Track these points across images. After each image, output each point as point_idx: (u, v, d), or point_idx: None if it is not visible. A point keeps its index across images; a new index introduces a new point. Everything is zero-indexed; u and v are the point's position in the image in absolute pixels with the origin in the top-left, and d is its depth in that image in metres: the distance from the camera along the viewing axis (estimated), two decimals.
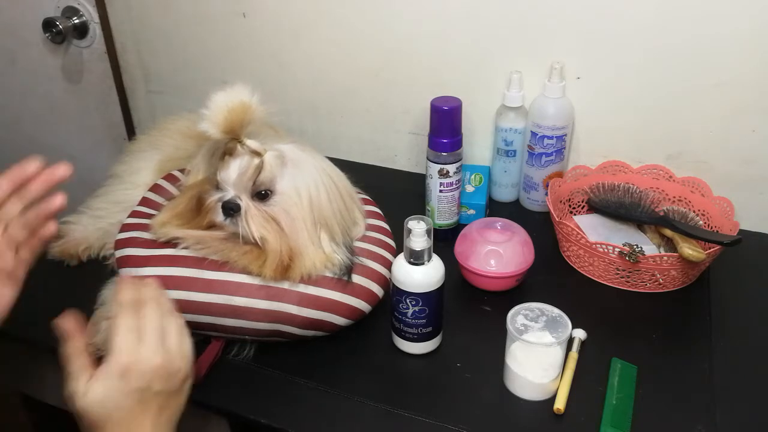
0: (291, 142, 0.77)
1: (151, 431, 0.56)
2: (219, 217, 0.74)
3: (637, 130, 1.00)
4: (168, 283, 0.71)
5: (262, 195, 0.73)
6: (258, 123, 0.71)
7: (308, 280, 0.73)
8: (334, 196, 0.77)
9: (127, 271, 0.74)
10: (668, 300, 0.85)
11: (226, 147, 0.72)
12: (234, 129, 0.70)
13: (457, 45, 1.05)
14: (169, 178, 0.87)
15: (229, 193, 0.73)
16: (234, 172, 0.72)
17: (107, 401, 0.55)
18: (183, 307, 0.71)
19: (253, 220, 0.72)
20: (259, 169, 0.71)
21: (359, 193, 0.87)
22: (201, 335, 0.74)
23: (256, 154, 0.72)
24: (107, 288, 0.80)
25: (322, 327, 0.74)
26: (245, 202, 0.72)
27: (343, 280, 0.74)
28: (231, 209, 0.72)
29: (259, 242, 0.71)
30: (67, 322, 0.60)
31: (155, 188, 0.86)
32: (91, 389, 0.56)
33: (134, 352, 0.57)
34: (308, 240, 0.73)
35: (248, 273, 0.72)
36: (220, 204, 0.73)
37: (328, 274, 0.74)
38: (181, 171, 0.87)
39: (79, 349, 0.59)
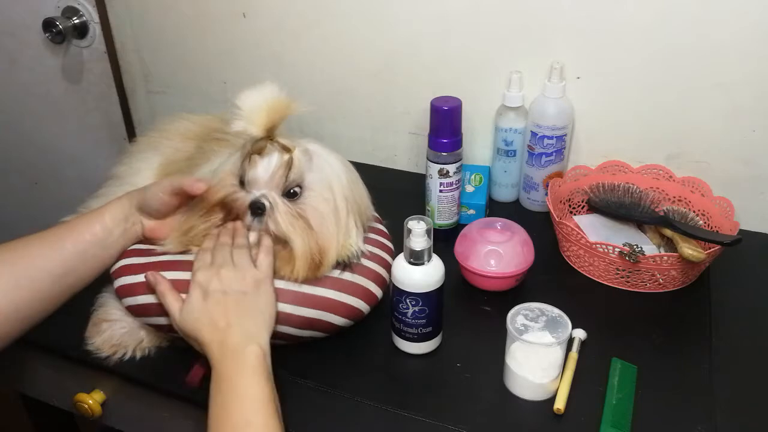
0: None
1: (235, 321, 0.66)
2: (247, 218, 0.73)
3: (637, 130, 1.00)
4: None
5: (291, 194, 0.72)
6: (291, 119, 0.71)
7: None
8: (358, 186, 0.77)
9: (123, 280, 0.73)
10: (668, 300, 0.85)
11: (255, 146, 0.71)
12: (274, 126, 0.69)
13: (457, 45, 1.05)
14: None
15: (258, 193, 0.72)
16: (264, 170, 0.71)
17: (193, 311, 0.67)
18: None
19: (281, 217, 0.71)
20: (290, 165, 0.71)
21: None
22: None
23: (286, 150, 0.71)
24: (105, 291, 0.80)
25: (319, 327, 0.74)
26: (273, 199, 0.71)
27: (336, 277, 0.74)
28: (259, 208, 0.71)
29: (286, 240, 0.71)
30: (151, 274, 0.71)
31: None
32: (182, 309, 0.68)
33: (206, 267, 0.69)
34: (336, 234, 0.73)
35: (279, 276, 0.72)
36: (249, 206, 0.72)
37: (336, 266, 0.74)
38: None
39: (168, 287, 0.70)
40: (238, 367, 0.63)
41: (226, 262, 0.69)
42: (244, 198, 0.73)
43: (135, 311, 0.73)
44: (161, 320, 0.72)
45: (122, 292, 0.73)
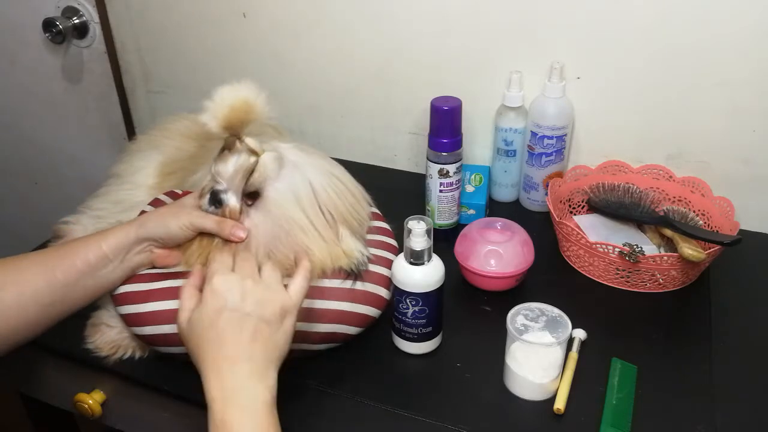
0: (292, 142, 0.76)
1: (246, 354, 0.58)
2: (204, 204, 0.71)
3: (637, 130, 1.00)
4: (175, 317, 0.69)
5: (249, 194, 0.71)
6: (260, 123, 0.70)
7: (315, 294, 0.72)
8: (343, 193, 0.76)
9: (126, 309, 0.72)
10: (668, 300, 0.85)
11: (226, 142, 0.70)
12: (234, 126, 0.67)
13: (457, 45, 1.05)
14: (171, 194, 0.86)
15: (222, 185, 0.71)
16: (230, 167, 0.70)
17: (202, 320, 0.59)
18: None
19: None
20: (251, 169, 0.69)
21: None
22: None
23: (254, 153, 0.70)
24: (103, 296, 0.79)
25: (335, 339, 0.74)
26: (227, 198, 0.70)
27: (348, 288, 0.73)
28: (218, 201, 0.70)
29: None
30: (196, 270, 0.65)
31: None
32: (192, 314, 0.60)
33: (227, 275, 0.61)
34: (308, 241, 0.72)
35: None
36: (209, 191, 0.71)
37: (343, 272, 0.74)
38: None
39: (195, 287, 0.63)
40: (243, 419, 0.55)
41: (254, 275, 0.62)
42: (209, 184, 0.71)
43: (147, 340, 0.72)
44: (173, 350, 0.71)
45: (129, 321, 0.72)
